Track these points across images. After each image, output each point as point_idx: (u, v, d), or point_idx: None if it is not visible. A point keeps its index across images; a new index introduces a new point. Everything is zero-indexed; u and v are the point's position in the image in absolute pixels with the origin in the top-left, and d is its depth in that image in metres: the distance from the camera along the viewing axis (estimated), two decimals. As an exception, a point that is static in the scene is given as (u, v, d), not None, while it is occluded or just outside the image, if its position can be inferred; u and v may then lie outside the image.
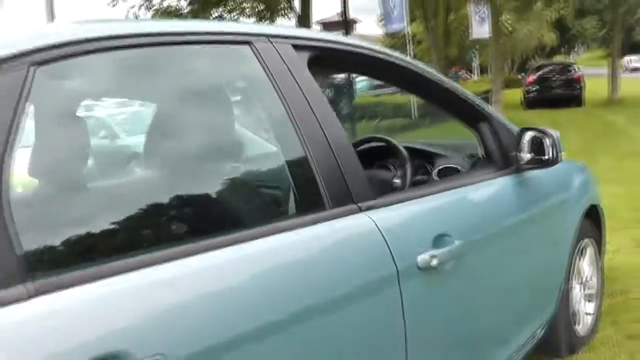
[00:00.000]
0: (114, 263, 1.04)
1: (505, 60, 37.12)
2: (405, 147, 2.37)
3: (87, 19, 1.30)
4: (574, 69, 19.70)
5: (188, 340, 1.05)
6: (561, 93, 18.53)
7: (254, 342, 1.14)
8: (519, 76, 33.09)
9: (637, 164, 7.61)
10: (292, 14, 12.88)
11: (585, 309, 2.91)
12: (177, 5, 11.10)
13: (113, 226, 1.17)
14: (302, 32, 1.92)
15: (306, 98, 1.48)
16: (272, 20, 12.47)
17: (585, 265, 2.89)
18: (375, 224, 1.49)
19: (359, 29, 44.70)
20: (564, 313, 2.61)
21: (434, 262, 1.57)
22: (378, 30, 37.25)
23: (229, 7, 11.42)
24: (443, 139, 2.95)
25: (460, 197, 1.94)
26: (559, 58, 38.03)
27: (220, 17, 11.78)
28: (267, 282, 1.23)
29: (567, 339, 2.67)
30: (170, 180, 1.37)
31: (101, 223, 1.15)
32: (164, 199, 1.28)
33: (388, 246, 1.48)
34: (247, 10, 11.88)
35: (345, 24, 13.15)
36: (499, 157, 2.23)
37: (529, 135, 2.19)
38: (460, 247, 1.66)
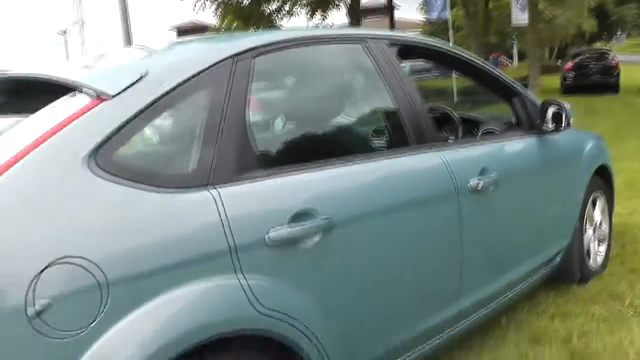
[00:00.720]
0: (311, 163, 1.89)
1: (545, 47, 37.03)
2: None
3: (268, 30, 2.16)
4: (611, 57, 19.91)
5: (345, 210, 1.88)
6: (598, 80, 18.78)
7: (376, 216, 1.99)
8: (558, 62, 33.03)
9: (662, 145, 8.21)
10: (342, 3, 13.66)
11: (597, 249, 3.66)
12: (235, -1, 12.00)
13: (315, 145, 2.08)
14: (392, 33, 2.72)
15: (397, 75, 2.31)
16: (324, 10, 13.27)
17: (597, 214, 3.64)
18: (443, 158, 2.31)
19: (398, 14, 45.12)
20: (578, 247, 3.37)
21: (480, 185, 2.39)
22: (417, 16, 37.52)
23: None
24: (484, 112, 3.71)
25: (498, 147, 2.75)
26: (598, 45, 37.66)
27: (278, 9, 12.59)
28: (384, 183, 2.08)
29: (580, 269, 3.43)
30: (334, 122, 2.28)
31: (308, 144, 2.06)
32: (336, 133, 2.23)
33: (451, 172, 2.30)
34: (302, 0, 12.63)
35: (390, 10, 13.87)
36: (526, 122, 3.01)
37: (548, 106, 2.98)
38: (496, 177, 2.47)
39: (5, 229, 1.30)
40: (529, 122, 3.02)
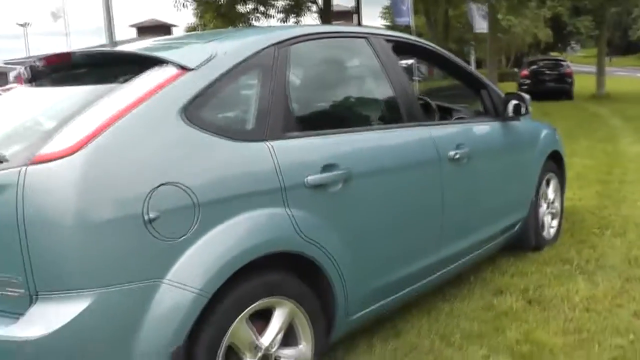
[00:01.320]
0: (334, 129, 2.43)
1: (502, 55, 38.43)
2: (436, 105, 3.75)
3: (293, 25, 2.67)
4: (565, 65, 21.05)
5: (359, 166, 2.41)
6: (553, 86, 19.81)
7: (381, 172, 2.53)
8: (515, 70, 34.38)
9: (608, 145, 9.04)
10: (314, 7, 14.29)
11: (550, 222, 4.29)
12: (217, -1, 12.44)
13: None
14: (388, 32, 3.27)
15: (392, 66, 2.86)
16: (297, 14, 13.87)
17: (550, 192, 4.27)
18: (429, 133, 2.87)
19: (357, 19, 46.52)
20: (534, 219, 3.99)
21: (456, 156, 2.96)
22: (378, 22, 38.85)
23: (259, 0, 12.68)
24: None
25: (470, 128, 3.34)
26: (554, 55, 39.32)
27: (254, 10, 13.05)
28: (387, 148, 2.64)
29: (535, 238, 4.04)
30: (349, 99, 2.85)
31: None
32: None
33: (436, 144, 2.86)
34: (276, 4, 13.16)
35: (358, 17, 14.59)
36: (492, 111, 3.61)
37: (511, 98, 3.58)
38: (469, 151, 3.05)
39: (126, 160, 1.78)
40: (494, 110, 3.62)
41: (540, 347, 2.73)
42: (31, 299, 1.70)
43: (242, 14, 12.90)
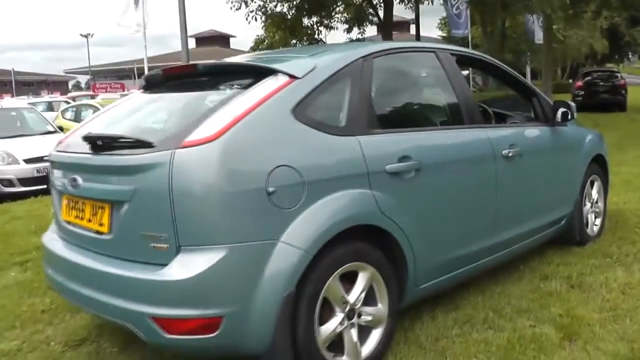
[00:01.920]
0: (408, 127, 2.99)
1: (557, 66, 38.03)
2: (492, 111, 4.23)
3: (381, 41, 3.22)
4: (619, 76, 20.90)
5: (428, 159, 2.93)
6: (606, 98, 19.70)
7: (447, 165, 3.06)
8: (570, 81, 34.02)
9: (658, 155, 9.22)
10: (375, 20, 14.91)
11: (593, 221, 4.68)
12: (282, 11, 13.16)
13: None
14: (452, 47, 3.78)
15: (455, 75, 3.37)
16: (359, 25, 14.53)
17: (594, 192, 4.67)
18: (486, 134, 3.37)
19: (414, 29, 47.28)
20: (578, 216, 4.40)
21: (510, 154, 3.44)
22: (435, 32, 39.17)
23: (324, 14, 13.34)
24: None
25: (522, 130, 3.81)
26: (609, 66, 38.68)
27: (319, 22, 13.75)
28: (452, 145, 3.17)
29: (580, 233, 4.45)
30: (421, 103, 3.43)
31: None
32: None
33: (492, 143, 3.36)
34: (340, 17, 13.82)
35: (417, 28, 15.11)
36: (542, 116, 4.06)
37: (559, 105, 4.03)
38: (520, 150, 3.52)
39: (253, 146, 2.34)
40: (544, 116, 4.07)
41: (579, 320, 3.17)
42: (176, 251, 2.28)
43: (306, 27, 13.60)
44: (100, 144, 2.60)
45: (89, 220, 2.64)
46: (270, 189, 2.32)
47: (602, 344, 2.91)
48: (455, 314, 3.34)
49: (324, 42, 14.47)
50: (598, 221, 4.75)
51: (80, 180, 2.61)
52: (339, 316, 2.57)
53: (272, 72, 2.62)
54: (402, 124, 3.07)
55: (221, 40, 69.70)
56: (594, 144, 4.58)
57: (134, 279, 2.32)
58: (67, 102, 18.88)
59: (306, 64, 2.72)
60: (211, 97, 2.70)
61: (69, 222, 2.84)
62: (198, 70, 2.89)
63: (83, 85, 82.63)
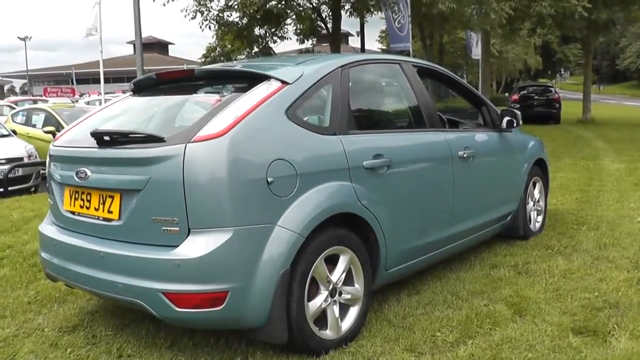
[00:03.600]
0: (380, 129, 3.40)
1: (493, 81, 39.79)
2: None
3: (356, 54, 3.61)
4: (553, 91, 22.22)
5: (397, 157, 3.32)
6: (541, 111, 20.87)
7: (412, 163, 3.45)
8: (506, 94, 35.64)
9: (590, 162, 10.06)
10: (324, 32, 15.47)
11: (535, 218, 5.21)
12: (234, 20, 13.50)
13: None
14: (414, 60, 4.20)
15: (418, 85, 3.79)
16: (310, 37, 15.00)
17: (536, 192, 5.20)
18: (444, 137, 3.80)
19: (351, 42, 48.64)
20: (522, 213, 4.91)
21: (465, 155, 3.89)
22: (376, 45, 40.19)
23: (274, 25, 13.74)
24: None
25: (473, 135, 4.28)
26: (542, 81, 40.73)
27: (272, 33, 14.14)
28: (416, 145, 3.57)
29: (523, 228, 4.96)
30: (389, 109, 3.80)
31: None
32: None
33: (449, 145, 3.79)
34: (290, 28, 14.29)
35: (362, 41, 15.72)
36: (490, 123, 4.55)
37: (505, 113, 4.53)
38: (473, 152, 3.98)
39: (254, 141, 2.66)
40: (492, 123, 4.56)
41: (527, 300, 3.62)
42: (187, 234, 2.57)
43: (259, 36, 13.97)
44: (108, 139, 2.86)
45: (96, 209, 2.89)
46: (270, 179, 2.64)
47: (547, 317, 3.36)
48: (417, 297, 3.74)
49: (274, 53, 14.84)
50: (540, 218, 5.28)
51: (88, 172, 2.86)
52: (323, 294, 2.91)
53: (265, 77, 2.95)
54: (375, 126, 3.47)
55: (159, 47, 69.12)
56: (535, 149, 5.12)
57: (146, 259, 2.59)
58: (10, 107, 18.43)
59: (295, 71, 3.06)
60: (211, 98, 3.00)
61: (72, 212, 3.06)
62: (194, 75, 3.18)
63: (17, 90, 79.90)
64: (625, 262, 4.35)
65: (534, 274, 4.14)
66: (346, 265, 3.03)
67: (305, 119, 2.94)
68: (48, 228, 3.30)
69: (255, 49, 14.01)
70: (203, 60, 14.75)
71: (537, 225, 5.23)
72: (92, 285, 2.90)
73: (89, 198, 2.95)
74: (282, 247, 2.66)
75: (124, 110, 3.44)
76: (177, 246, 2.57)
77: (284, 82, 2.92)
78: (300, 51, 16.21)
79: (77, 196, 3.03)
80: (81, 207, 3.00)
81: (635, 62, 46.68)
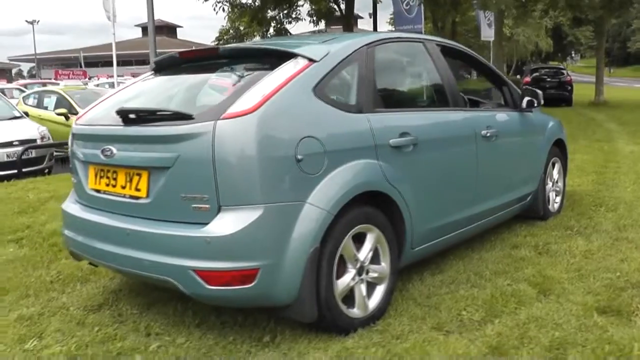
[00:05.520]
0: (406, 108, 3.37)
1: (504, 63, 39.46)
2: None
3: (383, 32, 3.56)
4: (565, 73, 22.04)
5: (423, 135, 3.30)
6: (553, 93, 20.66)
7: (437, 141, 3.44)
8: (518, 77, 35.33)
9: (605, 144, 9.99)
10: (337, 14, 15.37)
11: (554, 198, 5.19)
12: (247, 2, 13.41)
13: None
14: (438, 39, 4.16)
15: (442, 64, 3.75)
16: (319, 20, 14.90)
17: (555, 173, 5.17)
18: (469, 116, 3.77)
19: (360, 24, 48.32)
20: (542, 194, 4.89)
21: (488, 134, 3.86)
22: (386, 27, 39.80)
23: (287, 6, 13.62)
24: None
25: (495, 114, 4.24)
26: (553, 64, 40.36)
27: (286, 15, 14.07)
28: (441, 123, 3.55)
29: (543, 209, 4.94)
30: (415, 87, 3.77)
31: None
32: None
33: (473, 125, 3.76)
34: (303, 10, 14.17)
35: (374, 23, 15.60)
36: (511, 103, 4.50)
37: (526, 93, 4.49)
38: (496, 131, 3.95)
39: (284, 119, 2.64)
40: (513, 103, 4.52)
41: (550, 279, 3.61)
42: (217, 211, 2.56)
43: (272, 18, 13.89)
44: (134, 117, 2.85)
45: (123, 187, 2.89)
46: (299, 157, 2.63)
47: (571, 296, 3.35)
48: (440, 276, 3.74)
49: (290, 33, 14.78)
50: (558, 199, 5.25)
51: (114, 150, 2.85)
52: (351, 272, 2.91)
53: (292, 55, 2.92)
54: (400, 104, 3.45)
55: (168, 30, 69.00)
56: (555, 129, 5.07)
57: (177, 236, 2.59)
58: (20, 90, 18.48)
59: (321, 49, 3.03)
60: (238, 76, 2.98)
61: (97, 190, 3.07)
62: (219, 54, 3.16)
63: (25, 74, 79.97)
64: (645, 243, 4.32)
65: (555, 254, 4.13)
66: (373, 243, 3.02)
67: (332, 96, 2.92)
68: (72, 206, 3.31)
69: (271, 31, 13.94)
70: (216, 42, 14.66)
71: (556, 206, 5.21)
72: (119, 263, 2.91)
73: (114, 176, 2.95)
74: (312, 224, 2.65)
75: (148, 89, 3.43)
76: (207, 223, 2.56)
77: (311, 60, 2.90)
78: (313, 32, 16.12)
79: (102, 174, 3.03)
80: (107, 185, 3.00)
81: (647, 44, 46.32)
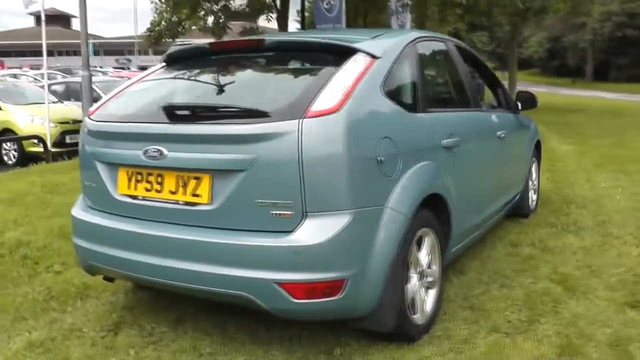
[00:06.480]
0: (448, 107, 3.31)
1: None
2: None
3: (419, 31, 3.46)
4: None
5: (463, 134, 3.26)
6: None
7: (475, 141, 3.41)
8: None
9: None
10: (274, 11, 15.09)
11: (532, 197, 5.36)
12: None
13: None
14: (455, 40, 4.12)
15: (464, 65, 3.74)
16: (253, 15, 14.56)
17: (533, 172, 5.35)
18: (490, 117, 3.79)
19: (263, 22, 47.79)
20: (526, 192, 5.04)
21: (502, 135, 3.91)
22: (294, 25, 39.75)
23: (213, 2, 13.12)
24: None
25: (503, 115, 4.31)
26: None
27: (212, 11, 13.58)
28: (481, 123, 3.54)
29: (525, 207, 5.10)
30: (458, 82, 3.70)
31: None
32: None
33: (493, 125, 3.79)
34: (230, 6, 13.63)
35: (302, 19, 15.51)
36: (505, 104, 4.59)
37: (521, 94, 4.60)
38: (506, 132, 4.01)
39: (364, 117, 2.48)
40: (507, 104, 4.61)
41: (567, 277, 3.70)
42: (302, 218, 2.35)
43: (213, 11, 13.38)
44: (187, 113, 2.56)
45: (172, 192, 2.59)
46: (380, 158, 2.48)
47: (597, 293, 3.45)
48: (464, 277, 3.72)
49: (229, 28, 14.43)
50: (534, 197, 5.44)
51: (165, 151, 2.55)
52: (414, 277, 2.80)
53: (353, 51, 2.74)
54: (443, 104, 3.40)
55: (62, 19, 64.87)
56: (535, 130, 5.26)
57: (257, 246, 2.35)
58: None
59: (379, 44, 2.89)
60: (297, 71, 2.77)
61: (132, 196, 2.73)
62: (264, 46, 2.91)
63: None
64: (630, 238, 4.56)
65: (555, 252, 4.25)
66: (430, 247, 2.94)
67: (395, 94, 2.79)
68: (89, 215, 2.94)
69: (210, 23, 13.46)
70: (148, 34, 13.86)
71: (533, 204, 5.39)
72: (167, 277, 2.60)
73: (160, 180, 2.64)
74: (393, 229, 2.52)
75: (176, 84, 3.11)
76: (289, 232, 2.35)
77: (373, 57, 2.74)
78: (244, 29, 15.50)
79: (139, 178, 2.70)
80: (147, 190, 2.67)
81: (537, 51, 49.81)
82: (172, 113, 2.59)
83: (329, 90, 2.45)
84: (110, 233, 2.78)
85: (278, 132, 2.33)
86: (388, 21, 25.52)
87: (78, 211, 3.03)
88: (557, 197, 6.01)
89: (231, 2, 13.24)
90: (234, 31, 14.86)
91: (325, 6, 18.43)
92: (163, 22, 12.99)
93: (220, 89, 2.87)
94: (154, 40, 13.84)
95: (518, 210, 5.03)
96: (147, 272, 2.67)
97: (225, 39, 15.44)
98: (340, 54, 2.74)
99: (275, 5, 14.49)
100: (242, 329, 2.94)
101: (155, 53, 59.96)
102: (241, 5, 13.53)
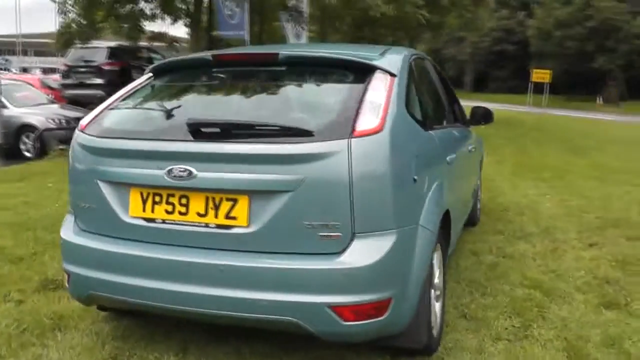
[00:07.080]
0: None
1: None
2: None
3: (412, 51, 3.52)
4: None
5: (457, 151, 3.38)
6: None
7: (460, 154, 3.54)
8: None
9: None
10: (186, 19, 14.61)
11: (478, 206, 5.65)
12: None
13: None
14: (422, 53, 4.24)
15: (437, 78, 3.88)
16: (175, 19, 14.21)
17: (478, 182, 5.65)
18: (466, 132, 3.95)
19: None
20: (475, 202, 5.30)
21: (471, 149, 4.10)
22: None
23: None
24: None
25: (468, 130, 4.51)
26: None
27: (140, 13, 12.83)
28: (462, 138, 3.67)
29: (476, 216, 5.36)
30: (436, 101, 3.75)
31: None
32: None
33: (467, 140, 3.95)
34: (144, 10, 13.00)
35: (209, 24, 15.24)
36: (461, 119, 4.81)
37: (477, 109, 4.84)
38: (474, 147, 4.21)
39: (400, 136, 2.47)
40: (462, 119, 4.83)
41: (539, 281, 3.94)
42: (350, 239, 2.31)
43: (129, 15, 12.64)
44: (218, 130, 2.45)
45: (201, 215, 2.45)
46: (414, 176, 2.52)
47: (573, 296, 3.71)
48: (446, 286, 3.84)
49: (143, 32, 13.80)
50: (479, 206, 5.73)
51: (194, 170, 2.41)
52: (432, 291, 2.86)
53: (373, 68, 2.73)
54: (437, 121, 3.45)
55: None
56: (481, 143, 5.55)
57: (306, 270, 2.29)
58: None
59: (392, 61, 2.90)
60: (326, 88, 2.73)
61: (148, 219, 2.54)
62: (278, 60, 2.81)
63: None
64: (576, 242, 4.94)
65: (515, 258, 4.49)
66: (440, 261, 3.01)
67: (412, 112, 2.83)
68: (87, 239, 2.69)
69: (125, 26, 12.72)
70: (61, 34, 12.82)
71: (478, 213, 5.68)
72: (193, 305, 2.45)
73: (184, 202, 2.48)
74: (427, 247, 2.56)
75: (183, 97, 2.95)
76: (338, 253, 2.31)
77: (392, 74, 2.76)
78: (153, 34, 14.77)
79: (158, 200, 2.53)
80: (169, 212, 2.50)
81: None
82: (197, 130, 2.46)
83: (368, 109, 2.44)
84: (118, 259, 2.58)
85: (328, 152, 2.28)
86: (282, 30, 25.83)
87: (70, 235, 2.77)
88: (492, 204, 6.37)
89: (143, 6, 12.73)
90: (145, 35, 14.28)
91: (227, 12, 18.30)
92: (73, 25, 12.18)
93: (244, 105, 2.76)
94: (63, 42, 13.02)
95: (470, 219, 5.27)
96: (166, 300, 2.50)
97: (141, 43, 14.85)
98: (358, 71, 2.72)
99: (189, 11, 14.14)
100: (257, 354, 2.84)
101: (36, 54, 55.83)
102: (152, 10, 13.03)
